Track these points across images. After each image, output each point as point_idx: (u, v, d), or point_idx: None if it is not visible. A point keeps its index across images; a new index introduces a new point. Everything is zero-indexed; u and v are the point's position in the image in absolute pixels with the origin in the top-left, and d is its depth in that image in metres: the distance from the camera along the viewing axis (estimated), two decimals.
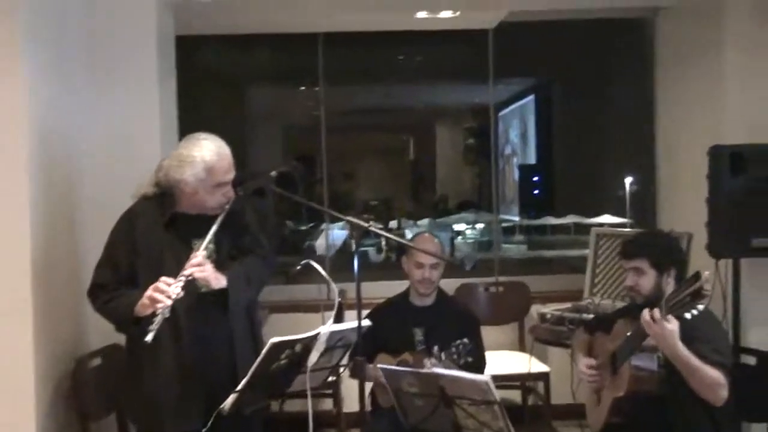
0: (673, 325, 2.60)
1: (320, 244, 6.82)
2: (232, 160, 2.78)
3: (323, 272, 2.71)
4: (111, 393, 3.22)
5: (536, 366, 4.60)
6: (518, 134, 8.65)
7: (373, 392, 3.46)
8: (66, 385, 3.17)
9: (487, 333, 5.01)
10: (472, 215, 8.89)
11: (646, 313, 2.66)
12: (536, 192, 7.72)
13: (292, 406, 3.93)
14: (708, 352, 2.71)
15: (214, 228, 2.76)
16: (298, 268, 2.77)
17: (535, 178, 7.77)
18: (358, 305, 2.69)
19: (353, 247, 2.79)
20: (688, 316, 2.57)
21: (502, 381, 4.78)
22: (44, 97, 3.15)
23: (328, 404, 4.55)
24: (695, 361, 2.65)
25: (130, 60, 3.66)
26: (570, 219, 7.33)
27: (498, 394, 2.69)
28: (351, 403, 4.35)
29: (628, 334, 2.85)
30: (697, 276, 2.50)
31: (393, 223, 9.62)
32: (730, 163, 3.40)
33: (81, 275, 3.11)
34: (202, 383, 2.72)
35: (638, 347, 2.80)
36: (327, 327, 2.63)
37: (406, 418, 2.95)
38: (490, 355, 4.79)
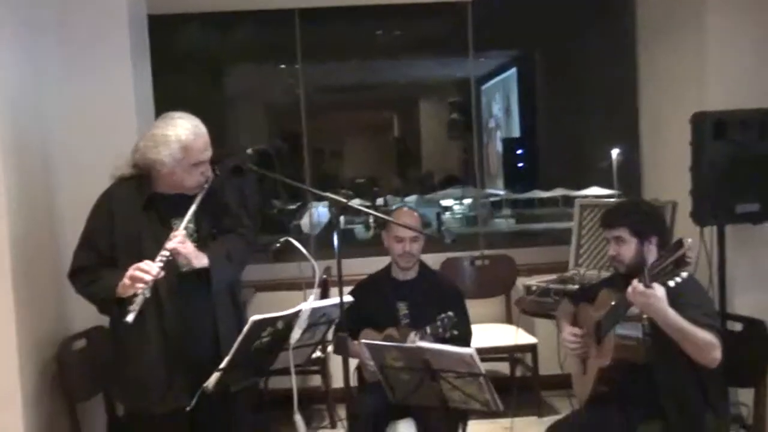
0: (659, 291, 2.59)
1: (305, 222, 6.80)
2: (209, 138, 2.75)
3: (303, 249, 2.69)
4: (97, 374, 3.21)
5: (524, 338, 4.62)
6: (501, 108, 8.62)
7: (359, 368, 3.46)
8: (51, 368, 3.15)
9: (474, 306, 5.01)
10: (459, 190, 8.88)
11: (635, 284, 2.64)
12: (520, 165, 7.70)
13: (280, 383, 3.93)
14: (698, 316, 2.70)
15: (193, 207, 2.74)
16: (278, 245, 2.75)
17: (519, 151, 7.74)
18: (339, 282, 2.68)
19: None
20: (671, 284, 2.56)
21: (489, 353, 4.83)
22: (14, 81, 3.09)
23: (316, 381, 4.56)
24: (687, 324, 2.64)
25: (102, 41, 3.59)
26: (558, 192, 7.34)
27: (483, 367, 2.70)
28: (339, 380, 4.35)
29: (612, 303, 2.85)
30: (679, 243, 2.49)
31: (380, 200, 9.59)
32: (712, 130, 3.39)
33: (62, 258, 3.08)
34: (187, 362, 2.71)
35: (623, 316, 2.80)
36: (308, 304, 2.63)
37: (392, 392, 2.95)
38: (477, 329, 4.81)
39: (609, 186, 6.10)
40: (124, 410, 2.93)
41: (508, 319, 4.89)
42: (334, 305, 2.71)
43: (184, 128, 2.69)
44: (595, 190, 6.16)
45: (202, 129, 2.74)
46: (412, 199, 9.13)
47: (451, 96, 9.98)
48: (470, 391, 2.75)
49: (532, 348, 4.58)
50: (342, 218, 4.04)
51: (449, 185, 9.18)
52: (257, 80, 8.32)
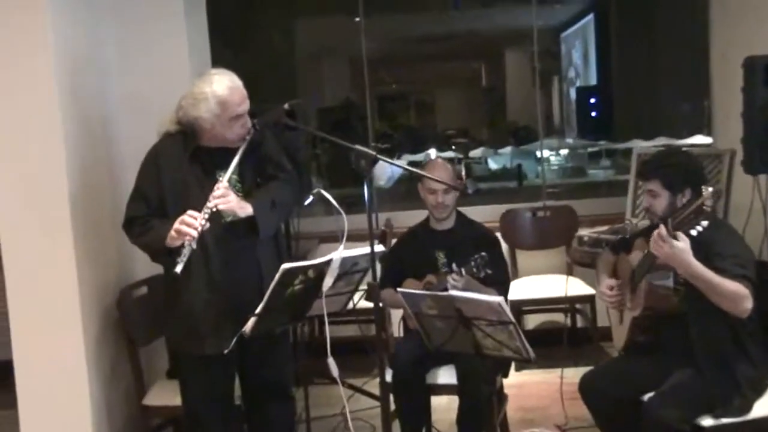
0: (683, 243, 2.57)
1: (377, 175, 6.89)
2: (245, 92, 2.84)
3: (333, 201, 2.78)
4: (157, 320, 3.35)
5: (583, 289, 4.63)
6: (580, 56, 8.43)
7: (404, 317, 3.56)
8: (112, 314, 3.37)
9: (534, 257, 5.08)
10: (555, 141, 8.76)
11: (654, 234, 2.63)
12: (594, 114, 7.54)
13: (334, 331, 4.07)
14: (728, 265, 2.66)
15: (236, 159, 2.85)
16: (311, 198, 2.84)
17: (592, 101, 7.57)
18: (370, 233, 2.74)
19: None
20: (693, 233, 2.53)
21: (548, 304, 4.87)
22: (70, 33, 3.25)
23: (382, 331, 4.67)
24: (712, 275, 2.61)
25: None
26: (660, 141, 7.14)
27: (511, 315, 2.74)
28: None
29: (645, 252, 2.84)
30: (699, 192, 2.45)
31: (476, 152, 9.57)
32: (764, 75, 3.26)
33: (123, 208, 3.22)
34: (233, 308, 2.83)
35: (653, 265, 2.79)
36: (339, 253, 2.72)
37: (429, 339, 3.03)
38: (536, 279, 4.88)
39: (684, 135, 5.94)
40: (176, 352, 3.11)
41: (569, 271, 4.88)
42: (366, 255, 2.80)
43: (220, 84, 2.79)
44: (700, 139, 5.97)
45: (238, 83, 2.83)
46: (506, 150, 9.09)
47: (533, 45, 9.84)
48: (501, 339, 2.80)
49: (590, 299, 4.58)
50: None
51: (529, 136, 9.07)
52: (338, 33, 8.41)
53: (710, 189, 2.43)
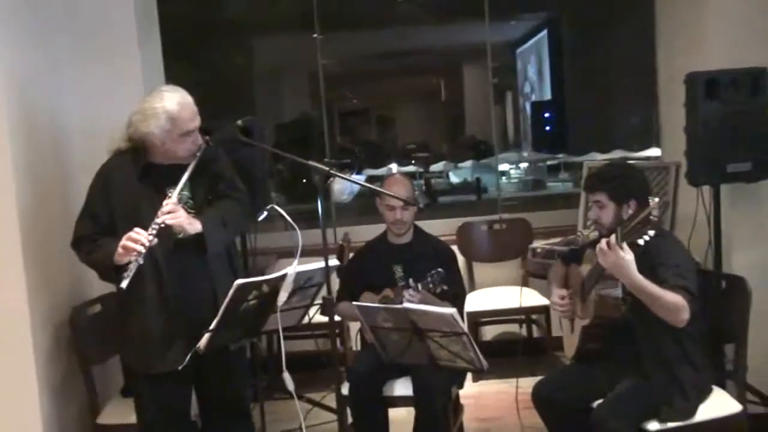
0: (628, 255, 2.65)
1: (336, 190, 6.91)
2: (195, 108, 2.86)
3: (287, 216, 2.81)
4: (110, 338, 3.33)
5: (538, 300, 4.70)
6: (535, 71, 8.58)
7: (361, 330, 3.59)
8: (65, 332, 3.34)
9: (490, 269, 5.15)
10: (515, 155, 8.87)
11: (599, 245, 2.71)
12: (548, 128, 7.68)
13: (295, 346, 4.07)
14: (670, 276, 2.75)
15: (186, 175, 2.86)
16: (266, 213, 2.86)
17: (547, 115, 7.72)
18: (324, 247, 2.78)
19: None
20: (641, 242, 2.62)
21: (503, 315, 4.94)
22: (23, 55, 3.24)
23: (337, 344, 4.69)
24: (652, 287, 2.70)
25: (108, 15, 3.75)
26: (616, 154, 7.30)
27: (465, 326, 2.79)
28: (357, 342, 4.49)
29: (594, 263, 2.91)
30: (645, 204, 2.53)
31: (437, 166, 9.64)
32: (705, 90, 3.37)
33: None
34: (186, 324, 2.84)
35: (602, 276, 2.86)
36: (293, 267, 2.75)
37: (385, 352, 3.07)
38: (492, 291, 4.95)
39: (637, 149, 6.08)
40: (130, 370, 3.09)
41: (525, 282, 4.96)
42: (320, 269, 2.83)
43: (171, 100, 2.80)
44: (656, 152, 6.11)
45: (188, 99, 2.85)
46: (467, 164, 9.17)
47: (493, 60, 9.98)
48: (455, 350, 2.85)
49: (545, 309, 4.65)
50: None
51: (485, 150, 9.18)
52: (293, 50, 8.45)
53: (656, 199, 2.52)
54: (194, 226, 2.85)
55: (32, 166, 3.25)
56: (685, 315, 2.71)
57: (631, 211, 2.88)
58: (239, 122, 3.07)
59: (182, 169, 2.88)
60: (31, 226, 3.18)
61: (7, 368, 3.10)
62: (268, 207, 2.91)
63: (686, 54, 4.27)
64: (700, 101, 3.37)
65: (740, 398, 2.99)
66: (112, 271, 2.82)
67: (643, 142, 6.21)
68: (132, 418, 3.05)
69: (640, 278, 2.68)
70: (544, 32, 8.04)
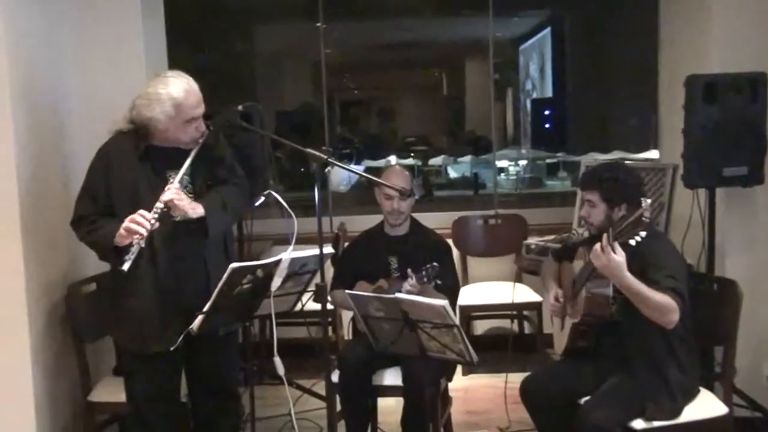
0: (619, 256, 2.67)
1: (334, 179, 6.94)
2: (200, 95, 2.87)
3: (284, 203, 2.83)
4: (105, 317, 3.37)
5: (530, 296, 4.72)
6: (537, 68, 8.58)
7: (353, 319, 3.61)
8: (60, 310, 3.37)
9: (484, 264, 5.17)
10: (515, 152, 8.88)
11: (596, 246, 2.73)
12: (548, 126, 7.69)
13: (284, 333, 4.07)
14: (660, 277, 2.78)
15: (188, 161, 2.87)
16: (262, 198, 2.88)
17: (547, 112, 7.72)
18: (320, 235, 2.79)
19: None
20: (632, 242, 2.64)
21: (495, 310, 4.97)
22: (25, 30, 3.24)
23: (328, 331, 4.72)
24: (643, 288, 2.72)
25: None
26: (615, 154, 7.32)
27: (456, 318, 2.82)
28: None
29: (586, 261, 2.93)
30: (636, 206, 2.55)
31: (436, 160, 9.66)
32: (703, 93, 3.39)
33: (73, 205, 3.24)
34: (180, 307, 2.86)
35: (593, 274, 2.88)
36: (288, 254, 2.77)
37: (376, 341, 3.09)
38: (485, 286, 4.97)
39: (635, 150, 6.08)
40: (122, 349, 3.11)
41: (518, 278, 4.97)
42: (315, 256, 2.85)
43: (177, 86, 2.81)
44: (653, 154, 6.14)
45: (194, 86, 2.86)
46: (466, 159, 9.19)
47: (495, 56, 9.99)
48: (445, 342, 2.87)
49: (537, 306, 4.67)
50: None
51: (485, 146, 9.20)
52: (298, 38, 8.45)
53: (648, 200, 2.54)
54: (196, 210, 2.86)
55: (33, 144, 3.27)
56: (675, 316, 2.74)
57: (621, 213, 2.90)
58: (239, 107, 3.08)
59: (182, 152, 2.90)
60: (31, 205, 3.19)
61: (2, 344, 3.12)
62: (266, 192, 2.92)
63: (688, 56, 4.29)
64: (698, 104, 3.38)
65: (727, 401, 3.01)
66: (111, 252, 2.84)
67: (642, 143, 6.24)
68: (123, 397, 3.07)
69: (631, 279, 2.71)
70: (548, 30, 8.04)
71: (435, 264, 3.23)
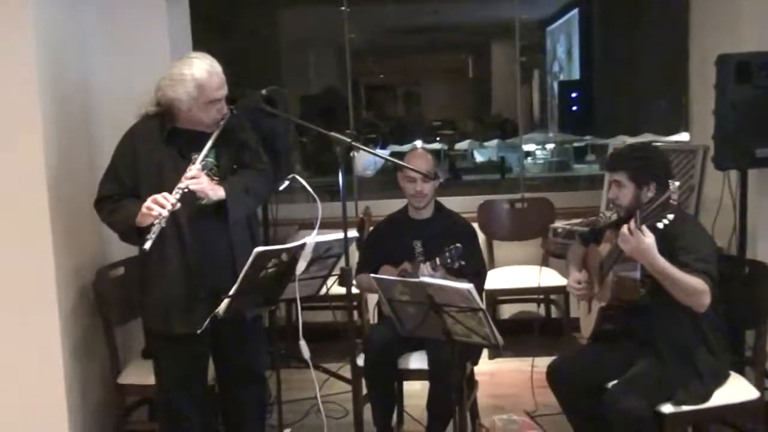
0: (648, 238, 2.64)
1: (359, 164, 6.94)
2: (223, 77, 2.87)
3: (308, 187, 2.82)
4: (132, 300, 3.39)
5: (557, 280, 4.69)
6: (564, 50, 8.48)
7: (379, 303, 3.61)
8: (89, 294, 3.40)
9: (510, 248, 5.14)
10: (542, 135, 8.82)
11: (624, 229, 2.69)
12: (575, 108, 7.60)
13: (310, 317, 4.08)
14: (691, 260, 2.74)
15: (210, 142, 2.89)
16: (287, 182, 2.88)
17: (574, 95, 7.63)
18: (344, 219, 2.79)
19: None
20: (660, 225, 2.60)
21: (522, 294, 4.94)
22: (52, 16, 3.26)
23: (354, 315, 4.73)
24: (674, 271, 2.68)
25: None
26: (645, 137, 7.21)
27: (482, 302, 2.80)
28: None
29: (613, 244, 2.90)
30: (665, 187, 2.51)
31: (462, 144, 9.62)
32: (735, 73, 3.32)
33: None
34: (206, 289, 2.88)
35: (621, 257, 2.85)
36: (312, 237, 2.77)
37: (401, 325, 3.08)
38: (512, 270, 4.94)
39: (664, 132, 6.00)
40: (149, 332, 3.14)
41: (545, 262, 4.95)
42: (340, 240, 2.85)
43: (199, 67, 2.82)
44: (684, 136, 6.05)
45: (217, 68, 2.87)
46: (492, 143, 9.14)
47: (521, 38, 9.90)
48: (471, 325, 2.85)
49: (564, 290, 4.62)
50: None
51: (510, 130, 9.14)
52: (322, 23, 8.44)
53: (677, 183, 2.49)
54: (217, 192, 2.87)
55: (61, 127, 3.29)
56: (706, 300, 2.70)
57: (650, 194, 2.86)
58: (263, 92, 3.08)
59: (208, 135, 2.91)
60: (59, 189, 3.22)
61: (33, 327, 3.16)
62: (290, 177, 2.92)
63: (719, 36, 4.21)
64: (730, 84, 3.32)
65: (758, 385, 2.98)
66: (133, 233, 2.86)
67: (672, 126, 6.15)
68: (152, 379, 3.10)
69: (662, 261, 2.67)
70: (575, 11, 7.94)
71: (458, 245, 3.21)
